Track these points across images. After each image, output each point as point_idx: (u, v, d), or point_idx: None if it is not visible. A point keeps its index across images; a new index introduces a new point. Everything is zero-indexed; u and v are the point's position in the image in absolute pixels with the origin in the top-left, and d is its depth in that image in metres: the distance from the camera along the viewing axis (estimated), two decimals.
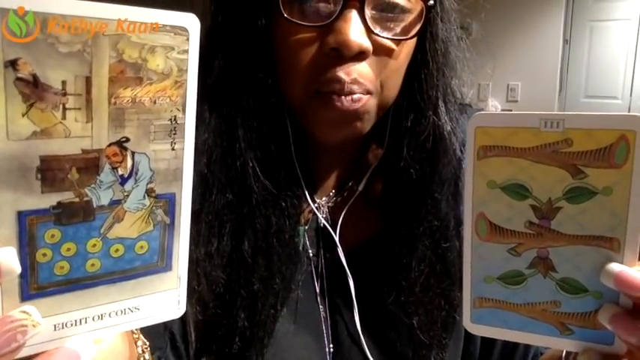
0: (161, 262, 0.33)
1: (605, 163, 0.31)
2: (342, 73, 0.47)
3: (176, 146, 0.31)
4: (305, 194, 0.55)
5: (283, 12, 0.46)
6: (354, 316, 0.54)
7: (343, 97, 0.47)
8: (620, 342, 0.33)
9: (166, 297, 0.34)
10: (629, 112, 3.84)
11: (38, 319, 0.28)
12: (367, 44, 0.46)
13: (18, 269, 0.27)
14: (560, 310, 0.35)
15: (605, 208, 0.32)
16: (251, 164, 0.50)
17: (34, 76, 0.26)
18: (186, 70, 0.30)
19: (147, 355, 0.41)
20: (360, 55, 0.47)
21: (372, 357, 0.54)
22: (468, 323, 0.37)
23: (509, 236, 0.35)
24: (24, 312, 0.28)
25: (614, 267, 0.32)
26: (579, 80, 4.04)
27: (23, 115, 0.26)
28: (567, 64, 3.97)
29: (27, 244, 0.28)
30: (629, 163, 0.31)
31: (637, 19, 3.81)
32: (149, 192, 0.31)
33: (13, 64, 0.25)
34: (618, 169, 0.31)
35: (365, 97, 0.48)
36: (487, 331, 0.37)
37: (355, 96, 0.48)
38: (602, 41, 3.94)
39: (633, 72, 3.87)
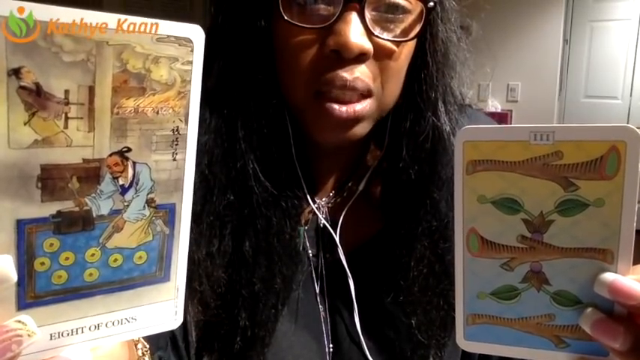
0: (159, 273, 0.33)
1: (596, 175, 0.31)
2: (343, 73, 0.47)
3: (177, 157, 0.31)
4: (305, 195, 0.55)
5: (283, 14, 0.46)
6: (353, 316, 0.55)
7: (342, 105, 0.47)
8: None
9: (164, 308, 0.33)
10: (629, 112, 3.85)
11: (34, 329, 0.28)
12: (368, 46, 0.46)
13: (14, 277, 0.27)
14: (554, 323, 0.34)
15: (598, 219, 0.32)
16: (252, 165, 0.50)
17: (37, 85, 0.25)
18: (190, 81, 0.30)
19: (147, 358, 0.41)
20: (361, 57, 0.47)
21: (371, 357, 0.54)
22: (461, 341, 0.37)
23: (502, 251, 0.34)
24: (19, 322, 0.28)
25: (608, 276, 0.32)
26: (579, 80, 4.04)
27: (25, 124, 0.26)
28: (567, 64, 3.96)
29: (25, 253, 0.28)
30: (621, 174, 0.30)
31: (637, 19, 3.81)
32: (149, 202, 0.31)
33: (16, 72, 0.25)
34: (609, 180, 0.31)
35: (364, 103, 0.48)
36: (481, 347, 0.37)
37: (356, 107, 0.48)
38: (602, 41, 3.93)
39: (633, 72, 3.86)
